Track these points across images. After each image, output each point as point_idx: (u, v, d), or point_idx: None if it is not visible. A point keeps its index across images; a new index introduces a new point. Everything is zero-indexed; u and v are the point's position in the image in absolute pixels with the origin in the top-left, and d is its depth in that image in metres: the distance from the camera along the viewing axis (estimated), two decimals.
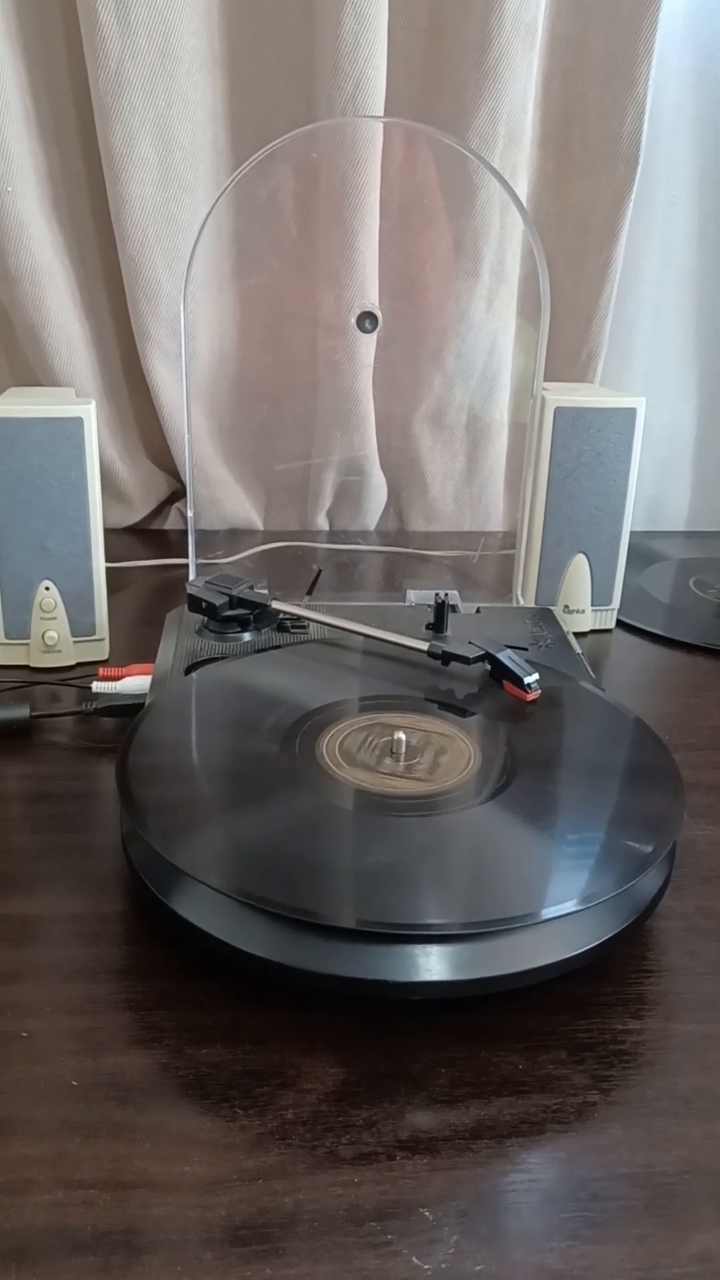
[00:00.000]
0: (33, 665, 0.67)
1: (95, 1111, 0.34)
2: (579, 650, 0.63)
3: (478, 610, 0.68)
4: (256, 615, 0.63)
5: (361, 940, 0.37)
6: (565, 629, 0.66)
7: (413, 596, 0.73)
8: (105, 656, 0.68)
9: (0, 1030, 0.38)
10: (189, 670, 0.58)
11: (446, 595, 0.64)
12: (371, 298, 0.89)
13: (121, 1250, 0.30)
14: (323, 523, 1.00)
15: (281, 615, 0.64)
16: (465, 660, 0.57)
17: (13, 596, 0.65)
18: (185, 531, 0.74)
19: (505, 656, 0.55)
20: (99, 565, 0.66)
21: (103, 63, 0.80)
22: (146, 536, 0.98)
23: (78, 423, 0.63)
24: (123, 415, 0.96)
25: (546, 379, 0.77)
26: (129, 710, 0.59)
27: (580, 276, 0.92)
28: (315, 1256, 0.30)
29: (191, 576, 0.73)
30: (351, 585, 0.87)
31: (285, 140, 0.67)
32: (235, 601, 0.62)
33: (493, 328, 0.93)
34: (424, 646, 0.58)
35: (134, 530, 0.99)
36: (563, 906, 0.38)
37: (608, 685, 0.69)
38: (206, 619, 0.63)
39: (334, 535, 0.99)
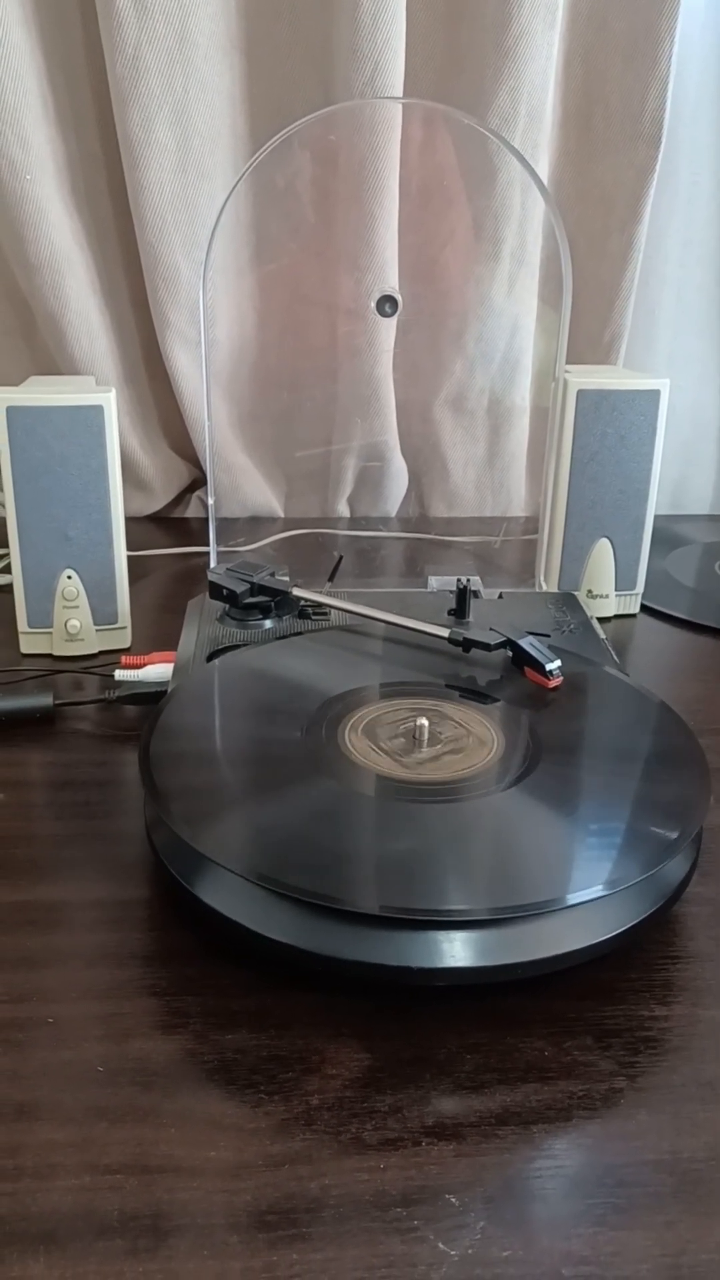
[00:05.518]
0: (56, 654, 0.67)
1: (121, 1096, 0.35)
2: (603, 635, 0.62)
3: (500, 596, 0.68)
4: (278, 602, 0.63)
5: (386, 926, 0.37)
6: (589, 614, 0.65)
7: (434, 582, 0.72)
8: (127, 644, 0.69)
9: (26, 1016, 0.38)
10: (211, 658, 0.58)
11: (468, 581, 0.64)
12: (391, 281, 0.89)
13: (148, 1234, 0.30)
14: (344, 509, 0.99)
15: (303, 602, 0.64)
16: (486, 647, 0.56)
17: (35, 585, 0.66)
18: (206, 519, 0.74)
19: (527, 643, 0.55)
20: (120, 553, 0.66)
21: (120, 48, 0.79)
22: (167, 524, 0.98)
23: (98, 410, 0.62)
24: (143, 403, 0.96)
25: (568, 362, 0.76)
26: (151, 698, 0.59)
27: (603, 257, 0.91)
28: (341, 1241, 0.30)
29: (212, 564, 0.73)
30: (373, 571, 0.87)
31: (303, 123, 0.67)
32: (256, 589, 0.62)
33: (514, 311, 0.92)
34: (445, 633, 0.58)
35: (155, 518, 0.99)
36: (588, 892, 0.38)
37: (632, 670, 0.68)
38: (228, 606, 0.63)
39: (355, 522, 0.99)
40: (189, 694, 0.53)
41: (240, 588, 0.62)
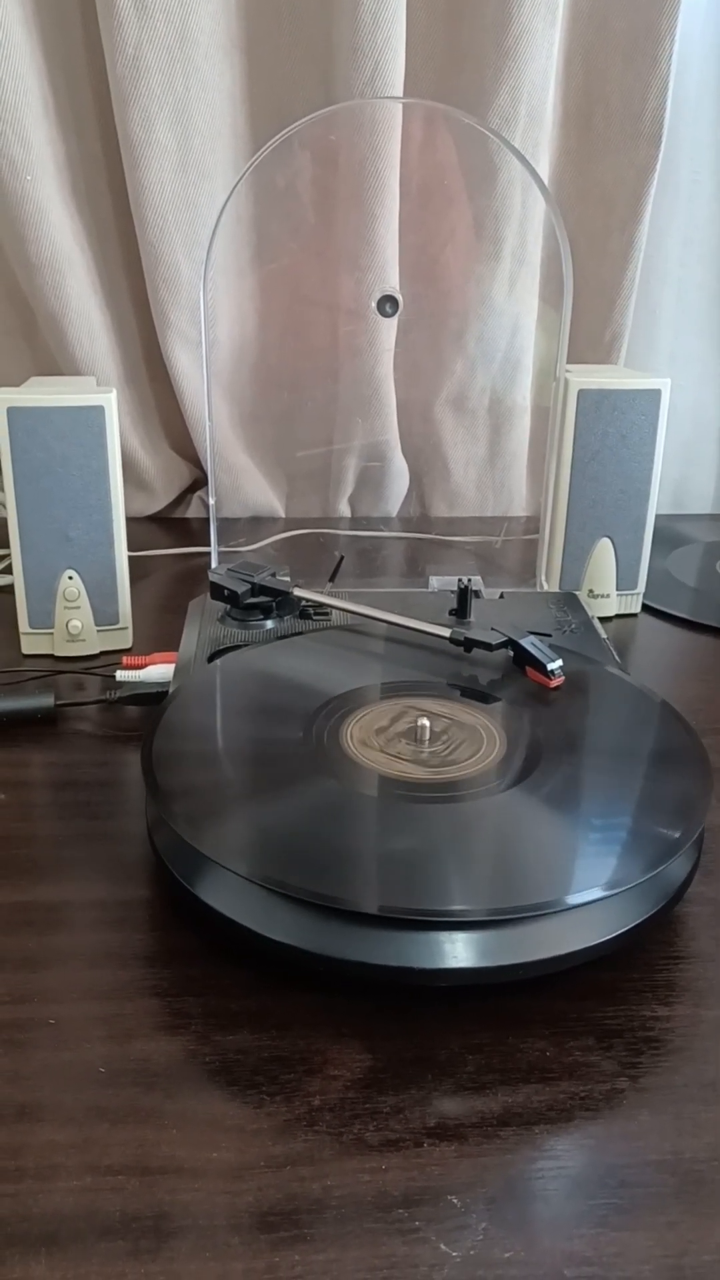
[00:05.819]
0: (57, 654, 0.67)
1: (122, 1097, 0.35)
2: (604, 635, 0.62)
3: (501, 595, 0.68)
4: (279, 602, 0.63)
5: (387, 927, 0.37)
6: (590, 613, 0.65)
7: (435, 582, 0.72)
8: (129, 645, 0.69)
9: (28, 1017, 0.38)
10: (212, 658, 0.58)
11: (469, 581, 0.64)
12: (392, 281, 0.89)
13: (150, 1235, 0.30)
14: (345, 509, 0.99)
15: (304, 602, 0.63)
16: (488, 646, 0.56)
17: (36, 586, 0.66)
18: (207, 519, 0.74)
19: (528, 642, 0.55)
20: (121, 554, 0.66)
21: (120, 47, 0.79)
22: (168, 525, 0.98)
23: (99, 411, 0.62)
24: (144, 403, 0.96)
25: (569, 361, 0.76)
26: (153, 698, 0.59)
27: (604, 256, 0.91)
28: (343, 1242, 0.30)
29: (214, 564, 0.73)
30: (374, 571, 0.86)
31: (304, 123, 0.67)
32: (257, 589, 0.62)
33: (515, 310, 0.92)
34: (446, 633, 0.58)
35: (156, 519, 0.99)
36: (590, 892, 0.38)
37: (634, 670, 0.68)
38: (229, 607, 0.63)
39: (356, 521, 0.99)
40: (191, 694, 0.53)
41: (241, 588, 0.62)
